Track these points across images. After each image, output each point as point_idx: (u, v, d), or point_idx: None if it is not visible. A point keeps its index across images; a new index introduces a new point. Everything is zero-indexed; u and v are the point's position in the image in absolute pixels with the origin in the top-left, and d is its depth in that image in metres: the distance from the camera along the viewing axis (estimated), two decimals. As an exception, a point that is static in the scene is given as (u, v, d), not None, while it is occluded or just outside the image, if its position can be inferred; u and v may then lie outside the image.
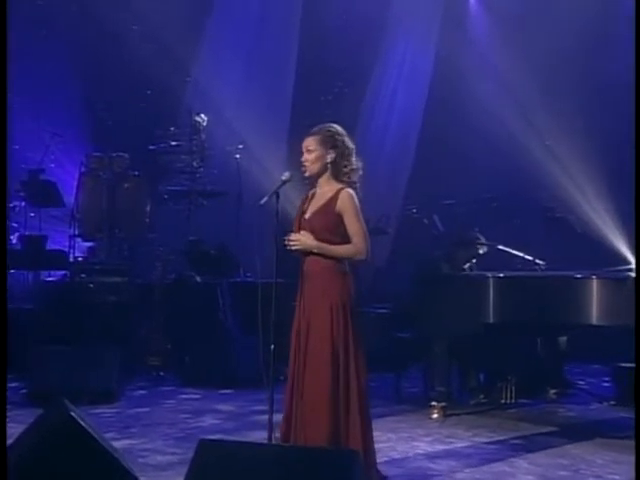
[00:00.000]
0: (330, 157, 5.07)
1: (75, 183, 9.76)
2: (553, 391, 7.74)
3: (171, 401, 7.84)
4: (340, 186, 5.06)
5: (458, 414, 7.21)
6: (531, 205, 10.52)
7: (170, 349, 8.83)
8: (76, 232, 9.62)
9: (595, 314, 6.38)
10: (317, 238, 5.04)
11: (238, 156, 10.26)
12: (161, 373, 8.70)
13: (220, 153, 10.30)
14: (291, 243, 5.10)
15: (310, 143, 5.12)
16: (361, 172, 5.16)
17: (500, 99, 11.38)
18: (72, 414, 4.64)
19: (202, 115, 9.93)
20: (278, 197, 5.18)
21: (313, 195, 5.20)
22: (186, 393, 8.18)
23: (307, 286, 5.16)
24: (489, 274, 6.92)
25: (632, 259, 10.03)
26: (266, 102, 11.31)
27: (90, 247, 9.92)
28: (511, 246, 7.91)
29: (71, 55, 10.88)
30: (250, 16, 11.85)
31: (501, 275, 6.92)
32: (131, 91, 10.90)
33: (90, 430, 4.64)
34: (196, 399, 7.95)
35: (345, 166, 5.09)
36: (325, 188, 5.11)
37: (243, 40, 11.69)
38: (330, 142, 5.08)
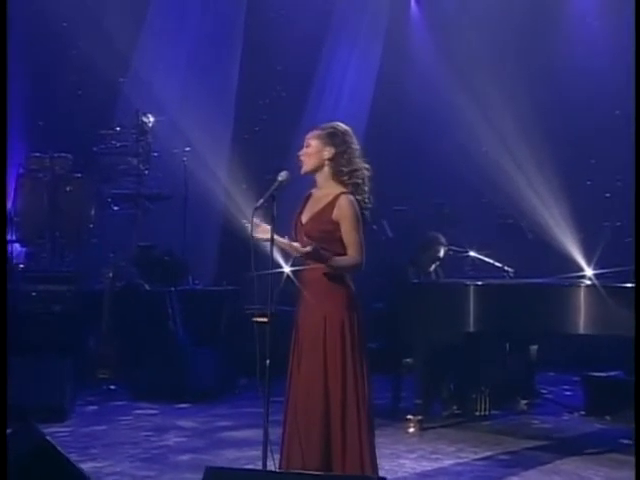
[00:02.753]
0: (328, 153, 4.57)
1: (13, 185, 9.01)
2: (524, 402, 7.40)
3: (127, 417, 7.21)
4: (340, 190, 4.56)
5: (434, 427, 6.80)
6: (483, 210, 10.25)
7: (120, 361, 8.17)
8: (14, 237, 8.88)
9: (582, 323, 6.06)
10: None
11: (185, 159, 9.64)
12: (111, 387, 8.03)
13: (166, 155, 9.67)
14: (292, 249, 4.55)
15: (310, 138, 4.65)
16: (368, 174, 4.67)
17: (448, 104, 11.07)
18: (45, 436, 4.22)
19: (149, 115, 9.31)
20: (274, 199, 4.66)
21: (310, 196, 4.71)
22: (141, 408, 7.54)
23: (304, 295, 4.63)
24: (469, 282, 6.54)
25: (584, 265, 9.86)
26: (211, 103, 10.71)
27: (30, 253, 9.15)
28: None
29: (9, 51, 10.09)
30: (191, 16, 11.25)
31: (481, 283, 6.55)
32: (73, 89, 10.18)
33: (63, 452, 4.19)
34: (153, 415, 7.33)
35: (345, 166, 4.59)
36: (324, 190, 4.62)
37: (185, 40, 11.09)
38: (330, 138, 4.59)
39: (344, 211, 4.49)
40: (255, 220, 4.68)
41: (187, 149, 9.66)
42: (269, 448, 4.53)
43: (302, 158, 4.66)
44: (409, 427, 6.67)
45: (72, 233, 8.98)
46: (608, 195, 11.33)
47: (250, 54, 11.71)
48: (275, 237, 4.58)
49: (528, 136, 10.64)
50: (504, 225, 9.90)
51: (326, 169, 4.61)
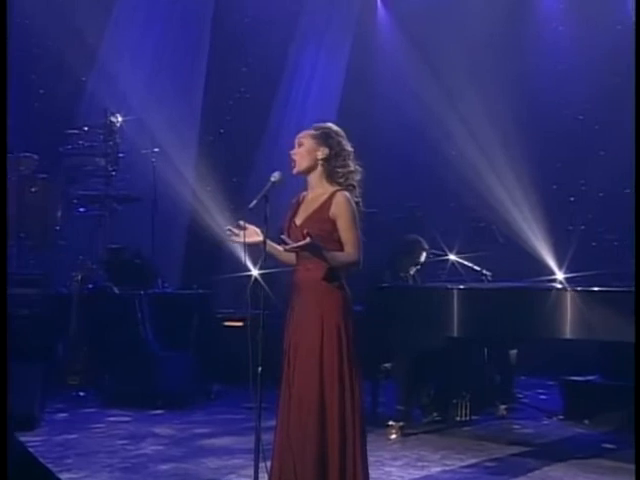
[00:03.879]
0: (321, 153, 4.38)
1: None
2: (503, 406, 7.26)
3: (100, 425, 6.93)
4: (335, 188, 4.39)
5: (415, 433, 6.64)
6: (455, 214, 10.14)
7: (89, 367, 7.88)
8: (-23, 239, 8.52)
9: (569, 328, 5.94)
10: (309, 245, 4.35)
11: (154, 160, 9.37)
12: (81, 393, 7.75)
13: (134, 156, 9.39)
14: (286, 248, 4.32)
15: (303, 137, 4.46)
16: (360, 176, 4.50)
17: (417, 104, 10.95)
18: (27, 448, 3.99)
19: (117, 115, 9.03)
20: (267, 200, 4.44)
21: (304, 198, 4.50)
22: (113, 415, 7.27)
23: (297, 300, 4.41)
24: (452, 286, 6.39)
25: (556, 269, 9.81)
26: (178, 104, 10.47)
27: (-7, 255, 8.79)
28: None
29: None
30: (158, 16, 10.98)
31: (464, 287, 6.41)
32: (37, 87, 9.86)
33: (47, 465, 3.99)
34: (127, 422, 7.07)
35: (340, 167, 4.41)
36: (318, 191, 4.42)
37: (152, 40, 10.82)
38: (323, 139, 4.41)
39: (341, 208, 4.31)
40: (241, 223, 4.47)
41: (156, 150, 9.39)
42: (261, 456, 4.27)
43: (294, 157, 4.46)
44: (391, 433, 6.50)
45: (38, 235, 8.66)
46: (572, 199, 11.31)
47: (216, 55, 11.50)
48: (270, 244, 4.39)
49: (498, 138, 10.57)
50: (477, 228, 9.78)
51: (319, 170, 4.42)
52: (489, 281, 7.24)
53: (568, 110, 11.23)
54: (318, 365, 4.25)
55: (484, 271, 7.29)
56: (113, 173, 9.11)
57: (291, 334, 4.42)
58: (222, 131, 11.82)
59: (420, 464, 5.83)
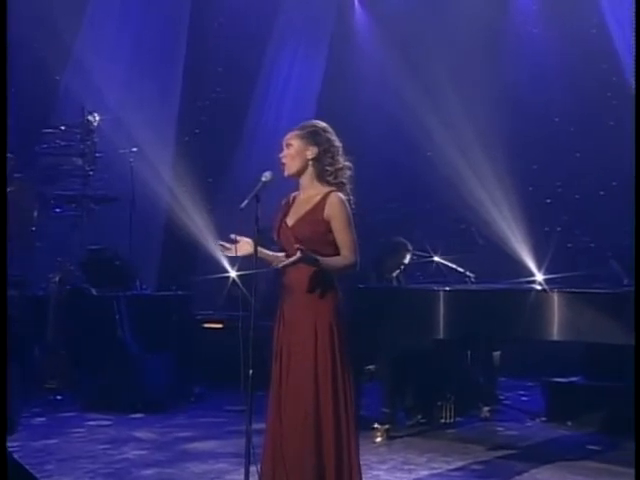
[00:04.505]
0: (311, 153, 4.29)
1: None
2: (487, 408, 7.20)
3: (80, 429, 6.78)
4: (328, 189, 4.29)
5: (400, 436, 6.56)
6: (436, 215, 10.09)
7: (67, 370, 7.72)
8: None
9: (556, 329, 5.89)
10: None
11: (132, 160, 9.22)
12: (58, 397, 7.58)
13: (111, 156, 9.23)
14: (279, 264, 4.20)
15: (290, 138, 4.36)
16: (350, 172, 4.41)
17: (395, 105, 10.88)
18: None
19: (95, 114, 8.87)
20: (258, 200, 4.34)
21: (295, 199, 4.40)
22: (93, 419, 7.12)
23: (288, 301, 4.30)
24: (438, 287, 6.32)
25: (534, 270, 9.78)
26: (156, 104, 10.32)
27: (-32, 256, 8.59)
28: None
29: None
30: (134, 15, 10.83)
31: (450, 289, 6.34)
32: (10, 86, 9.64)
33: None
34: (107, 426, 6.92)
35: (329, 165, 4.31)
36: (310, 192, 4.32)
37: (129, 38, 10.67)
38: (312, 137, 4.31)
39: (335, 209, 4.22)
40: (232, 237, 4.34)
41: (134, 149, 9.24)
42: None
43: (284, 160, 4.36)
44: (376, 436, 6.42)
45: (14, 236, 8.44)
46: (549, 201, 11.30)
47: (193, 54, 11.38)
48: (262, 251, 4.28)
49: (477, 139, 10.53)
50: (457, 230, 9.74)
51: (310, 170, 4.33)
52: (472, 282, 7.19)
53: (544, 112, 11.22)
54: (313, 366, 4.16)
55: (467, 272, 7.24)
56: (90, 173, 8.96)
57: (281, 335, 4.32)
58: (198, 131, 11.69)
59: (407, 467, 5.75)
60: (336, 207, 4.23)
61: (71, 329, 7.92)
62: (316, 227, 4.22)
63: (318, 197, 4.28)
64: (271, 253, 4.35)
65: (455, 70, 10.92)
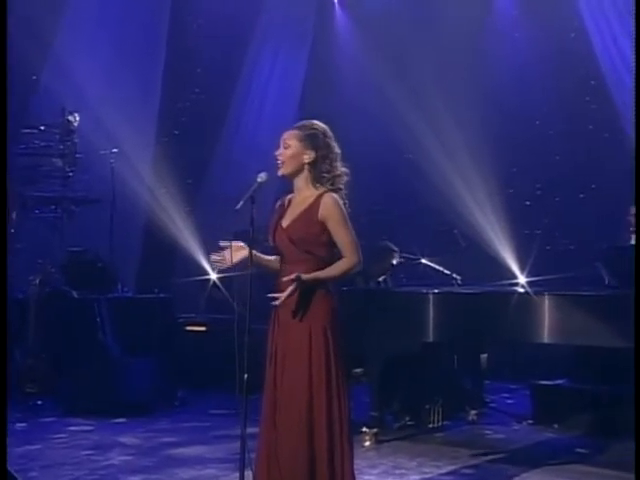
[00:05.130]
0: (308, 157, 4.19)
1: None
2: (474, 412, 7.14)
3: (62, 435, 6.62)
4: (322, 190, 4.20)
5: (388, 440, 6.48)
6: (418, 217, 10.04)
7: (47, 374, 7.56)
8: None
9: (546, 332, 5.84)
10: (298, 250, 4.14)
11: (112, 161, 9.07)
12: (39, 402, 7.42)
13: (92, 156, 9.07)
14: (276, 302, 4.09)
15: (288, 138, 4.24)
16: (347, 178, 4.32)
17: (376, 107, 10.82)
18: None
19: (75, 114, 8.71)
20: (254, 201, 4.24)
21: (290, 201, 4.31)
22: (75, 424, 6.96)
23: (283, 303, 4.18)
24: (427, 290, 6.25)
25: (517, 273, 9.76)
26: (136, 104, 10.17)
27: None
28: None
29: None
30: (113, 14, 10.67)
31: (441, 291, 6.28)
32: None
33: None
34: (89, 431, 6.77)
35: (327, 172, 4.21)
36: (305, 193, 4.23)
37: (107, 38, 10.50)
38: (310, 141, 4.20)
39: (330, 210, 4.13)
40: (221, 244, 4.23)
41: (114, 150, 9.09)
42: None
43: (280, 159, 4.25)
44: (365, 440, 6.33)
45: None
46: (528, 203, 11.29)
47: (173, 55, 11.25)
48: (257, 255, 4.19)
49: (458, 141, 10.50)
50: (439, 232, 9.68)
51: (306, 173, 4.23)
52: (459, 285, 7.13)
53: (524, 115, 11.20)
54: (307, 369, 4.07)
55: (454, 275, 7.18)
56: (70, 174, 8.79)
57: (276, 337, 4.22)
58: (177, 132, 11.56)
59: (398, 472, 5.67)
60: (331, 208, 4.14)
61: (51, 332, 7.77)
62: (310, 228, 4.13)
63: (312, 198, 4.19)
64: (267, 257, 4.27)
65: (435, 72, 10.88)
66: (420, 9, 11.30)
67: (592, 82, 11.15)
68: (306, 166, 4.21)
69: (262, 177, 4.27)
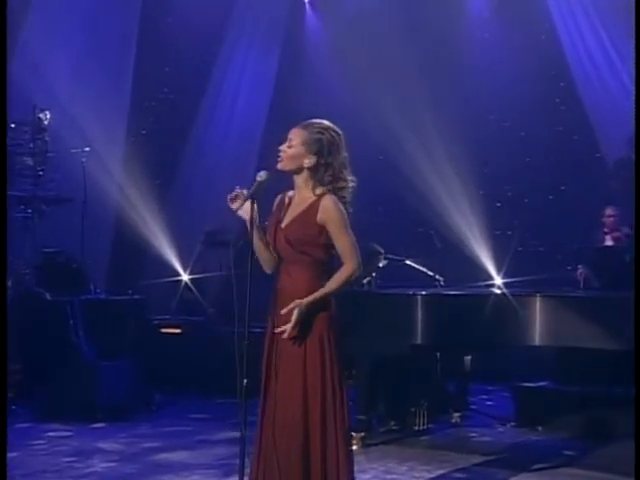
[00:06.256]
0: (308, 162, 4.02)
1: None
2: (457, 414, 7.06)
3: (40, 441, 6.39)
4: (322, 191, 4.04)
5: (376, 444, 6.36)
6: (394, 218, 9.95)
7: (21, 378, 7.32)
8: None
9: (538, 334, 5.78)
10: (294, 251, 4.01)
11: (84, 160, 8.83)
12: (12, 407, 7.17)
13: (63, 155, 8.83)
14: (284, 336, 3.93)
15: (293, 136, 4.09)
16: (353, 184, 4.12)
17: (347, 108, 10.69)
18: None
19: (46, 112, 8.46)
20: (254, 202, 4.10)
21: (291, 200, 4.16)
22: (52, 430, 6.73)
23: (280, 306, 4.02)
24: (415, 292, 6.15)
25: (494, 273, 9.72)
26: (107, 103, 9.95)
27: None
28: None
29: None
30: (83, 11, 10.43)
31: (427, 293, 6.18)
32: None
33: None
34: (68, 437, 6.55)
35: (328, 182, 4.03)
36: (305, 194, 4.07)
37: (76, 34, 10.26)
38: (313, 144, 4.03)
39: (330, 213, 3.98)
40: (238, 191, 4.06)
41: (86, 149, 8.86)
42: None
43: (281, 155, 4.09)
44: (352, 445, 6.19)
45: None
46: (499, 204, 11.27)
47: (142, 53, 11.03)
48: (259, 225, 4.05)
49: (429, 143, 10.44)
50: (416, 233, 9.62)
51: (306, 174, 4.07)
52: (442, 286, 7.05)
53: (494, 116, 11.20)
54: (301, 372, 3.95)
55: (437, 276, 7.09)
56: (41, 173, 8.54)
57: (273, 345, 4.07)
58: (144, 132, 11.36)
59: (389, 477, 5.55)
60: (330, 211, 3.99)
61: (24, 335, 7.53)
62: (308, 230, 3.99)
63: (311, 200, 4.03)
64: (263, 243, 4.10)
65: (406, 73, 10.82)
66: (391, 10, 11.21)
67: (562, 84, 11.19)
68: (306, 169, 4.06)
69: (262, 176, 4.12)
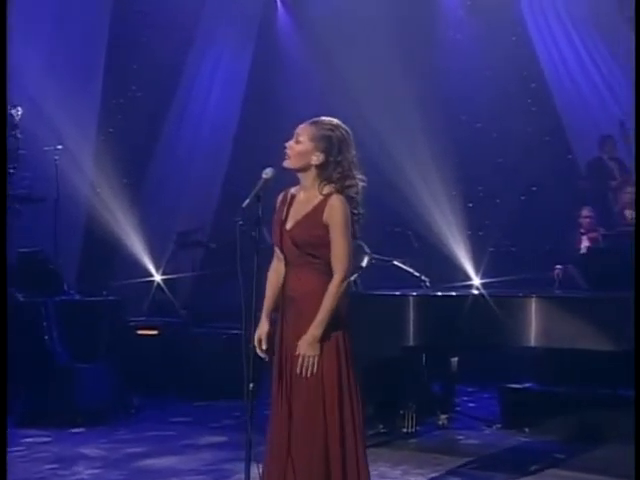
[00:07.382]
0: (316, 159, 3.87)
1: None
2: (444, 416, 6.93)
3: (19, 448, 6.12)
4: (329, 191, 3.89)
5: (367, 447, 6.19)
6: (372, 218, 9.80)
7: (-5, 382, 7.04)
8: None
9: (533, 336, 5.69)
10: (301, 252, 3.86)
11: (57, 158, 8.57)
12: (-14, 411, 6.90)
13: (35, 153, 8.56)
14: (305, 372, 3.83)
15: (301, 132, 3.94)
16: (363, 184, 3.96)
17: (320, 107, 10.55)
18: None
19: (18, 108, 8.18)
20: (260, 199, 3.94)
21: (294, 198, 3.99)
22: (30, 436, 6.47)
23: (292, 309, 3.91)
24: (408, 293, 6.03)
25: (472, 273, 9.66)
26: (78, 98, 9.70)
27: None
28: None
29: None
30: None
31: (417, 294, 6.06)
32: None
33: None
34: (48, 442, 6.31)
35: (337, 180, 3.88)
36: (311, 193, 3.91)
37: (46, 28, 10.00)
38: (322, 142, 3.88)
39: (336, 213, 3.82)
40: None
41: (59, 147, 8.59)
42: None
43: (288, 152, 3.94)
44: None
45: None
46: (471, 205, 11.22)
47: (113, 49, 10.79)
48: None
49: (403, 144, 10.35)
50: (393, 233, 9.51)
51: (313, 172, 3.91)
52: (427, 287, 6.93)
53: (467, 117, 11.15)
54: (320, 377, 3.82)
55: (423, 277, 6.97)
56: (11, 171, 8.25)
57: (283, 349, 3.92)
58: (112, 130, 11.10)
59: (384, 481, 5.44)
60: (337, 211, 3.83)
61: (-3, 338, 7.25)
62: (314, 231, 3.84)
63: (318, 199, 3.88)
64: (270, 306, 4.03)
65: (379, 73, 10.72)
66: (364, 9, 11.10)
67: (532, 85, 11.19)
68: (314, 167, 3.90)
69: (267, 173, 3.99)
